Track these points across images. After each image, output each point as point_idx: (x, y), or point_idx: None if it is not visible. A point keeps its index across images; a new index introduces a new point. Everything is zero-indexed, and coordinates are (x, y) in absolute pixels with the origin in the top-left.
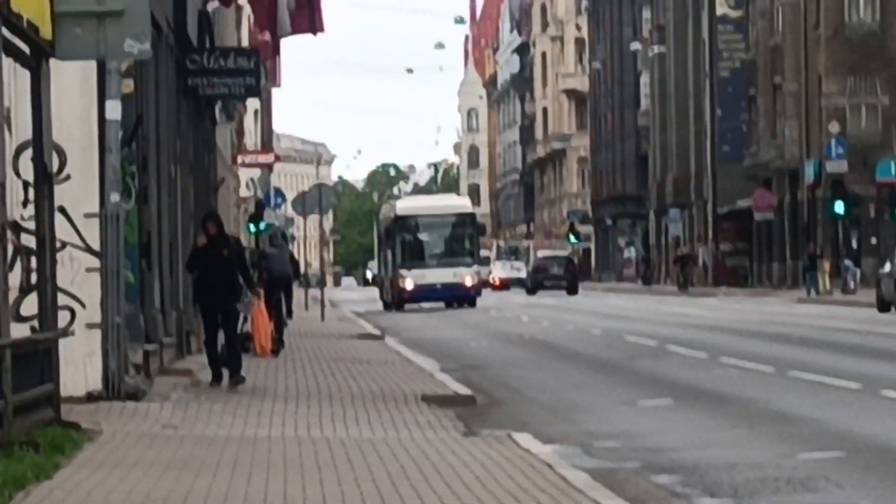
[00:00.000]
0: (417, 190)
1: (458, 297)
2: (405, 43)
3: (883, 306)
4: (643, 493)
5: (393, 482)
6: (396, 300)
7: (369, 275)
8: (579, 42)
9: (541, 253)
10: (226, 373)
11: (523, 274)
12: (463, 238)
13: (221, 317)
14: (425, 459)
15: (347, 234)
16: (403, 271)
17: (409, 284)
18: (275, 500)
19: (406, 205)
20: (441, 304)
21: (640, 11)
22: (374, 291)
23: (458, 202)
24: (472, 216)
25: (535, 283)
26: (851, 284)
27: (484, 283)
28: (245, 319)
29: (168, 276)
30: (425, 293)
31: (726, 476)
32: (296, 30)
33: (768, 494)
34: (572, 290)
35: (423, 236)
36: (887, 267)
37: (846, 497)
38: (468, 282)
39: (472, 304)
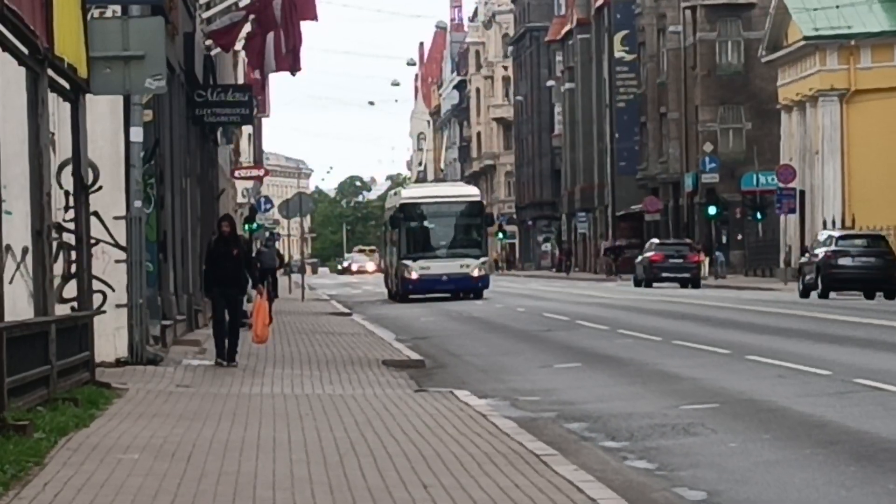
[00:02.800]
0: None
1: (465, 289)
2: (368, 81)
3: (637, 283)
4: (558, 438)
5: (360, 429)
6: (401, 291)
7: (344, 265)
8: (506, 80)
9: None
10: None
11: None
12: (470, 227)
13: (228, 307)
14: (385, 411)
15: (322, 233)
16: (408, 262)
17: (413, 275)
18: (265, 443)
19: (411, 192)
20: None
21: (553, 55)
22: (345, 279)
23: (466, 189)
24: (479, 204)
25: None
26: (720, 271)
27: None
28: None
29: (180, 266)
30: (431, 284)
31: (624, 423)
32: (279, 68)
33: (657, 438)
34: None
35: (428, 225)
36: (640, 258)
37: (719, 439)
38: (475, 273)
39: (479, 296)
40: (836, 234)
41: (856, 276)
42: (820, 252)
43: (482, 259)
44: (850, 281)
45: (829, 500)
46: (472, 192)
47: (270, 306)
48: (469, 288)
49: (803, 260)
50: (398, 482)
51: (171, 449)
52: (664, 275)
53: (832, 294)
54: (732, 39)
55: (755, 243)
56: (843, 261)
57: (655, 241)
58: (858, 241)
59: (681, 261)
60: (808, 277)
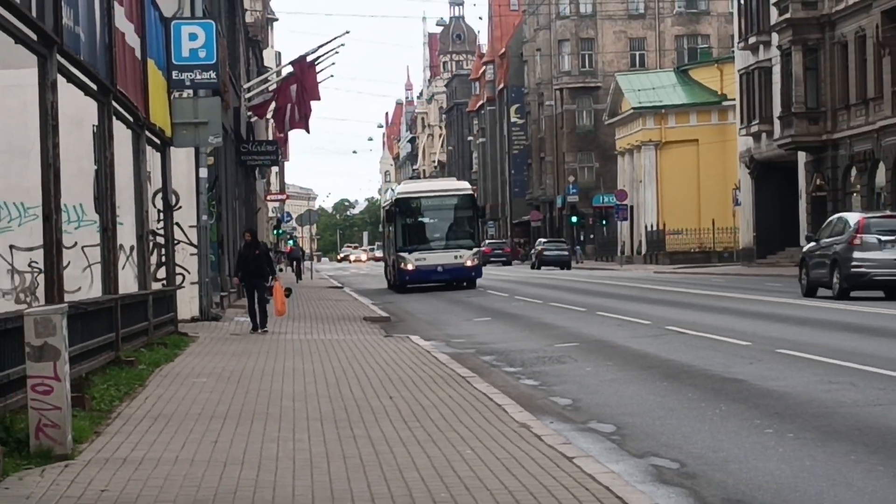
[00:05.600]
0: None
1: (459, 278)
2: (352, 137)
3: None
4: (477, 366)
5: (349, 360)
6: (398, 282)
7: (342, 255)
8: (441, 136)
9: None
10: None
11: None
12: (463, 220)
13: (256, 291)
14: (365, 350)
15: (323, 236)
16: (404, 254)
17: (410, 266)
18: (288, 370)
19: (406, 188)
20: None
21: (472, 121)
22: (343, 265)
23: (458, 184)
24: (471, 197)
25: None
26: (580, 259)
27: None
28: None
29: (232, 257)
30: (427, 274)
31: (518, 356)
32: (293, 127)
33: (540, 365)
34: None
35: (423, 218)
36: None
37: (580, 366)
38: (468, 263)
39: (473, 284)
40: (545, 240)
41: (553, 260)
42: (538, 248)
43: (475, 249)
44: (551, 262)
45: (649, 403)
46: (463, 186)
47: (299, 279)
48: (463, 277)
49: (532, 252)
50: (374, 395)
51: (227, 375)
52: (492, 259)
53: (543, 268)
54: (586, 109)
55: (602, 240)
56: (547, 252)
57: (487, 241)
58: (555, 243)
59: (500, 251)
60: (533, 261)
